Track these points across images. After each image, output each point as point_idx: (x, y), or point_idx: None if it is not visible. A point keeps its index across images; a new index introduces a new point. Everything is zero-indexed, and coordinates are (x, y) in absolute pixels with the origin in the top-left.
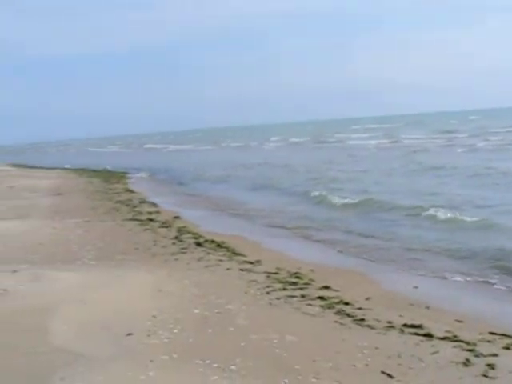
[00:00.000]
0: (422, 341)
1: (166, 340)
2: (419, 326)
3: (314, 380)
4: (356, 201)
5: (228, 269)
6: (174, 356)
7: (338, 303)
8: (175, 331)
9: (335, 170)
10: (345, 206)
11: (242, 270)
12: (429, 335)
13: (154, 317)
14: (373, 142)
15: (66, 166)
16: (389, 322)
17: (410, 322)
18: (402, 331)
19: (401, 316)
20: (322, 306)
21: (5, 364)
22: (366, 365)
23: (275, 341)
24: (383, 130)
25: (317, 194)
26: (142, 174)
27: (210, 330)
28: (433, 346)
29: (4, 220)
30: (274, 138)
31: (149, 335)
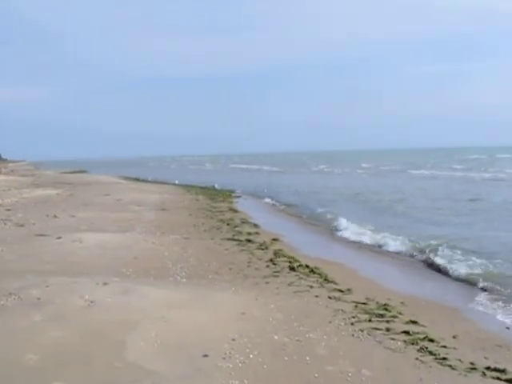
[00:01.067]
0: None
1: (240, 364)
2: (503, 371)
3: None
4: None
5: (317, 296)
6: (245, 381)
7: (423, 339)
8: (251, 356)
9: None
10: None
11: (330, 297)
12: (511, 381)
13: (233, 340)
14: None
15: (175, 182)
16: (471, 364)
17: (493, 366)
18: (483, 374)
19: (485, 358)
20: (405, 341)
21: (80, 376)
22: None
23: (350, 374)
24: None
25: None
26: (247, 195)
27: (286, 358)
28: None
29: (105, 232)
30: (364, 165)
31: (224, 358)
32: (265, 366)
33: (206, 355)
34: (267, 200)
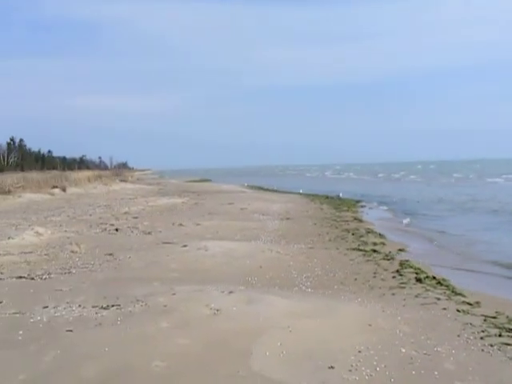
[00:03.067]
0: None
1: (366, 377)
2: None
3: None
4: None
5: (444, 308)
6: None
7: None
8: (378, 369)
9: None
10: None
11: (458, 310)
12: None
13: (360, 352)
14: None
15: (300, 191)
16: None
17: None
18: None
19: None
20: None
21: None
22: None
23: None
24: None
25: None
26: (375, 204)
27: (413, 372)
28: None
29: (230, 241)
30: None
31: (350, 370)
32: (392, 380)
33: (331, 367)
34: (391, 212)
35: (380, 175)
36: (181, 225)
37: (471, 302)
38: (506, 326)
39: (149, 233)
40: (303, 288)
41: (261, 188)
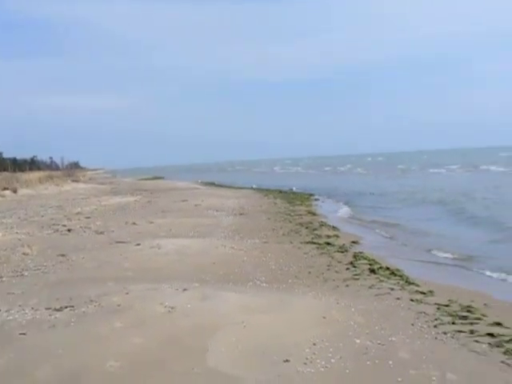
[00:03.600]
0: None
1: (322, 369)
2: None
3: None
4: None
5: (398, 298)
6: None
7: (508, 342)
8: (333, 361)
9: None
10: None
11: (412, 300)
12: None
13: (314, 344)
14: None
15: (253, 186)
16: None
17: None
18: None
19: None
20: (490, 344)
21: (162, 382)
22: None
23: (434, 378)
24: None
25: None
26: (326, 197)
27: (368, 362)
28: None
29: (184, 238)
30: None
31: (305, 363)
32: (347, 371)
33: (287, 360)
34: (346, 204)
35: (327, 168)
36: (134, 223)
37: (424, 292)
38: (459, 313)
39: (101, 232)
40: (257, 283)
41: (214, 184)
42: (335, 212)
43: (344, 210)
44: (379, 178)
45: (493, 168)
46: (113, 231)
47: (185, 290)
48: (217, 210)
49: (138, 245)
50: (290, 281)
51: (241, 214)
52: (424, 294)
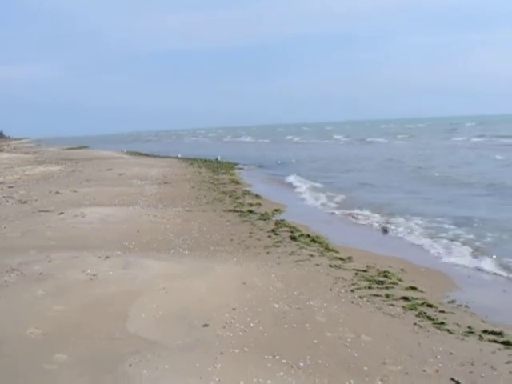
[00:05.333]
0: (499, 349)
1: (240, 333)
2: (499, 333)
3: (380, 383)
4: None
5: (317, 264)
6: (245, 350)
7: (421, 305)
8: (252, 325)
9: None
10: None
11: (331, 266)
12: (507, 343)
13: (234, 309)
14: None
15: (178, 156)
16: (469, 328)
17: (490, 329)
18: (480, 338)
19: (483, 322)
20: (404, 307)
21: (81, 348)
22: (437, 370)
23: (349, 340)
24: None
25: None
26: (252, 166)
27: (286, 326)
28: (510, 355)
29: (108, 206)
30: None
31: (224, 327)
32: (265, 334)
33: (206, 325)
34: (268, 171)
35: (266, 140)
36: (57, 192)
37: (343, 258)
38: (376, 278)
39: (25, 202)
40: (180, 250)
41: (139, 153)
42: (260, 180)
43: (266, 179)
44: (314, 147)
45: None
46: (36, 200)
47: (107, 257)
48: (141, 179)
49: (62, 213)
50: (212, 248)
51: (165, 183)
52: (343, 260)
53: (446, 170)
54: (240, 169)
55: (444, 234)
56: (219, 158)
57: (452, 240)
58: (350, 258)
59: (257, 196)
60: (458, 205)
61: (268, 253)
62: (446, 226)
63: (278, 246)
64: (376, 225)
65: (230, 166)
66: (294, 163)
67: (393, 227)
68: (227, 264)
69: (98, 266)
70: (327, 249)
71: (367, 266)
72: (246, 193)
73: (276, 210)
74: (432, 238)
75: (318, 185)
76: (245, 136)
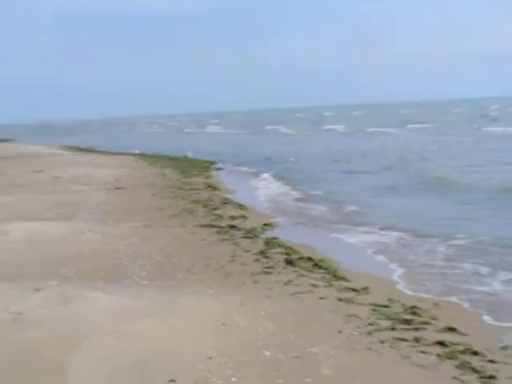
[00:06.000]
0: None
1: None
2: None
3: None
4: None
5: (322, 298)
6: None
7: (464, 352)
8: (234, 379)
9: None
10: None
11: (340, 299)
12: None
13: (210, 358)
14: None
15: (135, 151)
16: None
17: None
18: None
19: None
20: (439, 355)
21: None
22: None
23: None
24: None
25: None
26: (232, 165)
27: (279, 381)
28: None
29: (38, 221)
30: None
31: (197, 382)
32: None
33: (172, 380)
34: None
35: (243, 132)
36: None
37: (357, 288)
38: (401, 316)
39: None
40: (137, 280)
41: (81, 149)
42: (243, 185)
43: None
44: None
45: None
46: None
47: (37, 290)
48: (84, 184)
49: None
50: (180, 276)
51: (117, 189)
52: (356, 291)
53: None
54: (218, 169)
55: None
56: (190, 155)
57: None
58: (365, 288)
59: (241, 206)
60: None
61: (256, 282)
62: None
63: (270, 273)
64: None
65: (204, 166)
66: (283, 161)
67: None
68: (201, 298)
69: (24, 302)
70: (335, 276)
71: (389, 300)
72: (226, 202)
73: (266, 225)
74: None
75: (318, 192)
76: (216, 125)
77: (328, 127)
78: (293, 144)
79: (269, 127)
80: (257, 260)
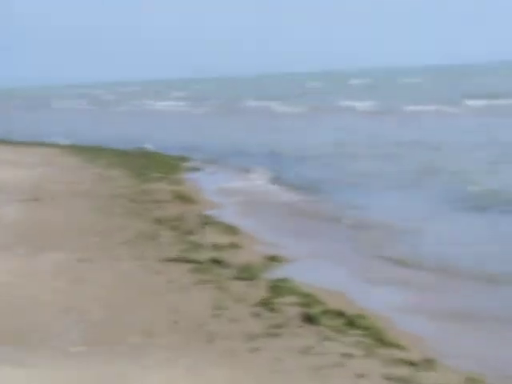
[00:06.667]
0: None
1: None
2: None
3: None
4: None
5: (361, 375)
6: None
7: None
8: None
9: None
10: None
11: (389, 378)
12: None
13: None
14: None
15: (60, 142)
16: None
17: None
18: None
19: None
20: None
21: None
22: None
23: None
24: None
25: None
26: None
27: None
28: None
29: None
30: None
31: None
32: None
33: None
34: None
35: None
36: None
37: (416, 361)
38: None
39: None
40: (65, 345)
41: None
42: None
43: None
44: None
45: None
46: None
47: None
48: None
49: None
50: (133, 340)
51: (36, 200)
52: (415, 365)
53: None
54: (195, 169)
55: None
56: (149, 148)
57: None
58: (429, 360)
59: (230, 228)
60: None
61: (254, 350)
62: None
63: (277, 336)
64: None
65: (171, 164)
66: (284, 158)
67: None
68: (169, 373)
69: None
70: (380, 340)
71: (467, 379)
72: (207, 221)
73: (272, 259)
74: None
75: (347, 210)
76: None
77: (346, 103)
78: (294, 131)
79: (252, 103)
80: (256, 315)
